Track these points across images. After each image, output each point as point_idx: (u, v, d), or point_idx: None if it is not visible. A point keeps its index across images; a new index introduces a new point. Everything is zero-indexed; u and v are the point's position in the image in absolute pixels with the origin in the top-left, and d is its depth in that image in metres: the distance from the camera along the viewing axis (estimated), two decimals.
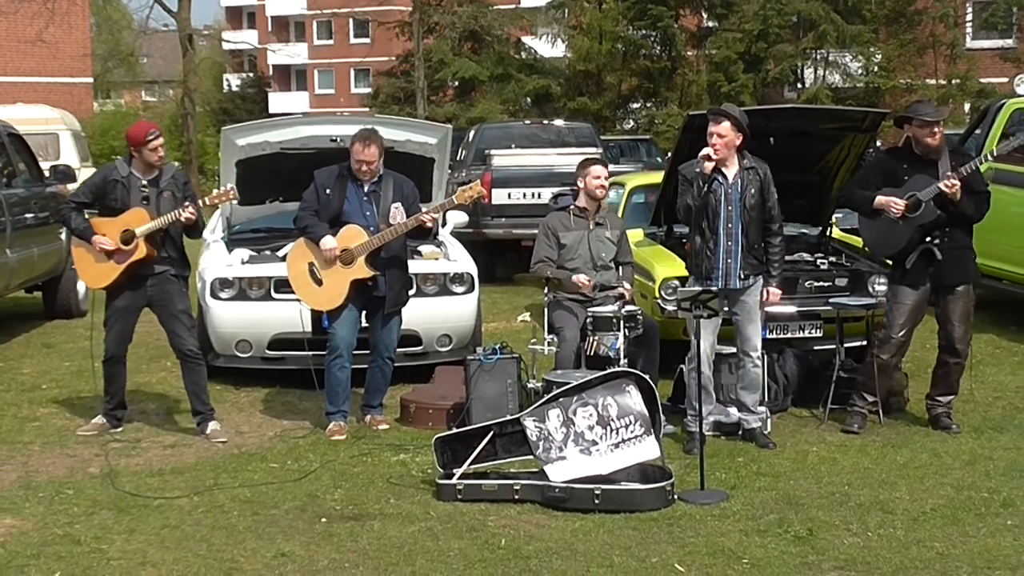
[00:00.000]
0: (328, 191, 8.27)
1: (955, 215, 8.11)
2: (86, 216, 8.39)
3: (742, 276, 7.90)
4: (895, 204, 8.04)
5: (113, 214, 8.22)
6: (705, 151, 7.72)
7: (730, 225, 7.85)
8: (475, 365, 8.32)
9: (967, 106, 35.15)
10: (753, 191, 7.88)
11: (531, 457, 6.97)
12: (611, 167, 11.27)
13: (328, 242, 8.17)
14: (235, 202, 8.84)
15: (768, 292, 8.03)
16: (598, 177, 8.92)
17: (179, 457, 7.88)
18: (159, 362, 8.83)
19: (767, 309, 8.17)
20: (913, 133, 8.19)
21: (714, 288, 7.72)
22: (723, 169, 7.81)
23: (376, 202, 8.29)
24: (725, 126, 7.77)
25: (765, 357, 8.27)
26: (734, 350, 8.17)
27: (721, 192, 7.82)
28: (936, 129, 8.09)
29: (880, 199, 8.12)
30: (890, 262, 8.57)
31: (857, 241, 10.55)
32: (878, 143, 12.71)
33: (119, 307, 8.34)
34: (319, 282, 8.29)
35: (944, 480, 7.14)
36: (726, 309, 7.91)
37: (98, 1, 52.52)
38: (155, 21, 42.30)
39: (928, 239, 8.11)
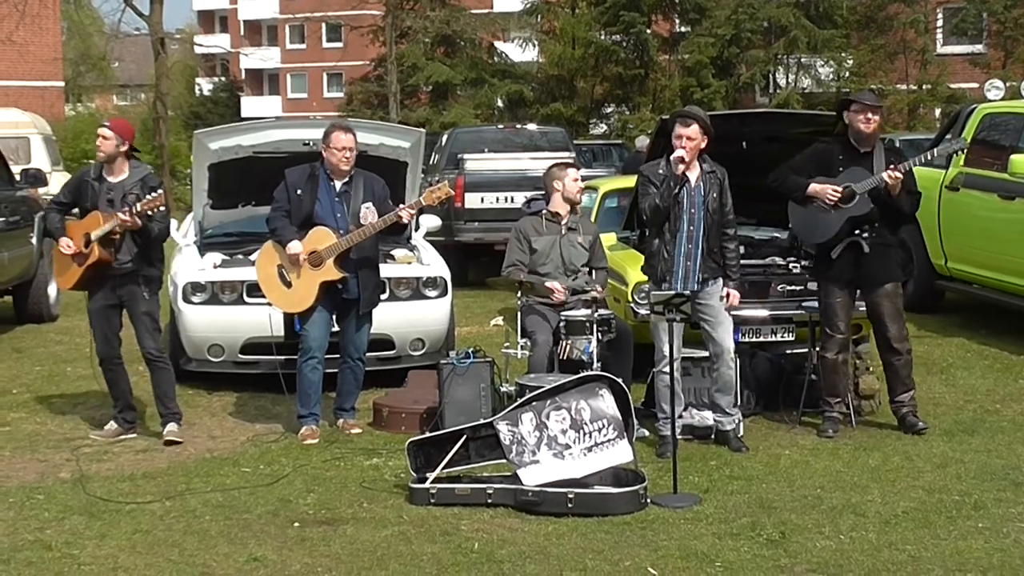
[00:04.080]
0: (299, 191, 8.27)
1: (888, 210, 8.18)
2: (65, 218, 8.39)
3: (700, 279, 7.92)
4: (830, 192, 8.09)
5: (85, 215, 8.23)
6: (679, 153, 7.73)
7: (691, 228, 7.87)
8: (448, 369, 8.31)
9: (938, 111, 35.39)
10: (715, 195, 7.91)
11: (504, 461, 6.96)
12: (584, 171, 11.29)
13: (294, 247, 8.15)
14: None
15: (729, 295, 8.06)
16: (576, 179, 8.93)
17: (151, 462, 7.85)
18: (131, 366, 8.81)
19: (736, 312, 8.20)
20: (850, 119, 8.25)
21: (686, 292, 7.75)
22: (686, 173, 7.83)
23: (347, 202, 8.29)
24: (694, 129, 7.80)
25: (737, 360, 8.29)
26: (706, 354, 8.18)
27: (684, 195, 7.84)
28: (871, 115, 8.14)
29: (815, 187, 8.16)
30: (813, 255, 8.61)
31: None
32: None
33: (93, 310, 8.36)
34: (288, 284, 8.27)
35: (916, 483, 7.17)
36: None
37: (69, 4, 52.23)
38: (127, 25, 41.91)
39: (857, 232, 8.16)
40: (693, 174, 7.88)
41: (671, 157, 7.78)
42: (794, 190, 8.33)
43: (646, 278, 9.08)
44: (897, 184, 8.02)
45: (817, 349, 8.80)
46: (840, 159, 8.25)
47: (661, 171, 7.85)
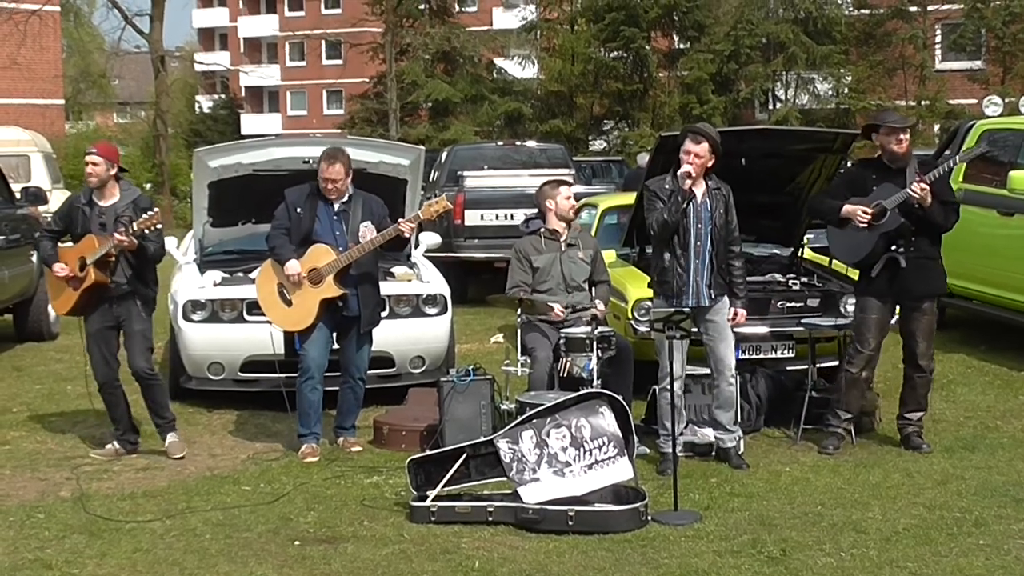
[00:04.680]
0: (299, 210, 8.28)
1: (923, 223, 8.15)
2: (58, 244, 8.42)
3: (712, 296, 7.93)
4: (861, 212, 8.09)
5: (78, 241, 8.25)
6: (686, 168, 7.75)
7: (699, 243, 7.89)
8: (448, 387, 8.31)
9: (936, 127, 35.39)
10: (721, 211, 7.94)
11: (505, 479, 6.96)
12: (584, 188, 11.31)
13: (292, 267, 8.16)
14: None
15: (736, 313, 8.07)
16: (569, 197, 8.93)
17: (151, 480, 7.84)
18: (131, 384, 8.82)
19: (736, 329, 8.21)
20: (880, 141, 8.25)
21: (687, 308, 7.75)
22: (693, 188, 7.85)
23: (346, 221, 8.30)
24: (704, 147, 7.81)
25: (737, 377, 8.29)
26: (707, 371, 8.18)
27: (691, 210, 7.86)
28: (902, 136, 8.15)
29: (847, 207, 8.16)
30: (855, 273, 8.62)
31: (827, 261, 10.60)
32: (849, 164, 12.89)
33: (90, 332, 8.37)
34: (288, 303, 8.27)
35: (916, 500, 7.16)
36: (694, 329, 7.95)
37: (69, 22, 52.33)
38: (127, 43, 42.30)
39: (893, 247, 8.15)
40: (699, 190, 7.89)
41: (678, 172, 7.79)
42: (829, 213, 8.33)
43: (647, 295, 9.11)
44: (926, 196, 8.01)
45: (815, 366, 8.82)
46: (873, 178, 8.24)
47: (667, 186, 7.87)
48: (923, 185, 7.98)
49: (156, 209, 8.10)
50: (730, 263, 8.03)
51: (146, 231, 8.01)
